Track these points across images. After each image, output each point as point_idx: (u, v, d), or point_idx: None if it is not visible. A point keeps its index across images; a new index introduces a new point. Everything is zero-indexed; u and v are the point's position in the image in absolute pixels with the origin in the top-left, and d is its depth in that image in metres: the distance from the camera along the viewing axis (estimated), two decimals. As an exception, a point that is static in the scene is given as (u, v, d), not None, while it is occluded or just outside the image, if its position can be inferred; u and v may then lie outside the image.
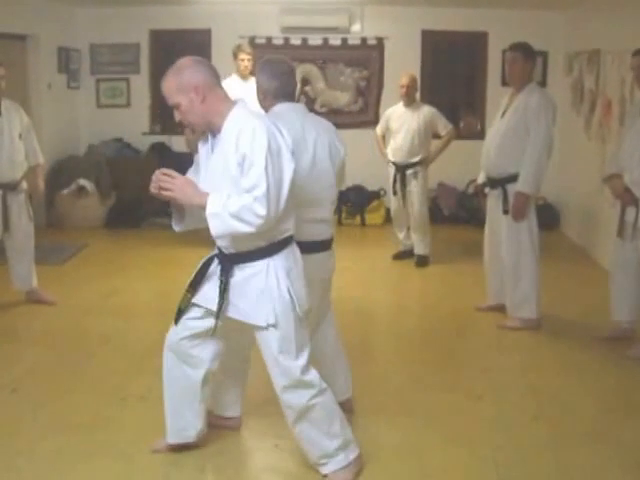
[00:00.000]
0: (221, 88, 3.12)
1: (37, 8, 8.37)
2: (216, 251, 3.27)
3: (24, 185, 5.79)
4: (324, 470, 3.39)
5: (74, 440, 3.73)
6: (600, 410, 4.21)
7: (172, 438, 3.56)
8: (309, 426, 3.32)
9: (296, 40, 9.63)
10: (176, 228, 3.40)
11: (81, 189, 8.88)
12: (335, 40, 9.60)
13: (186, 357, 3.39)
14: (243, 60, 7.48)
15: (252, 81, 7.84)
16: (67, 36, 9.30)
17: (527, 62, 5.34)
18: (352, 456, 3.41)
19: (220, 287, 3.18)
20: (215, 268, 3.26)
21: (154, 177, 3.11)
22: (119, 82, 9.78)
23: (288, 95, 3.65)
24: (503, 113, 5.42)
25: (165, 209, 8.97)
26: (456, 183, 9.35)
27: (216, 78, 3.11)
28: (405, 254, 7.59)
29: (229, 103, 3.10)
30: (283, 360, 3.20)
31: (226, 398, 3.82)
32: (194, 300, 3.30)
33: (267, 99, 3.65)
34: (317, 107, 9.73)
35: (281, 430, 3.86)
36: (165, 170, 3.11)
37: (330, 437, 3.33)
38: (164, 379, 3.48)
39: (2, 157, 5.53)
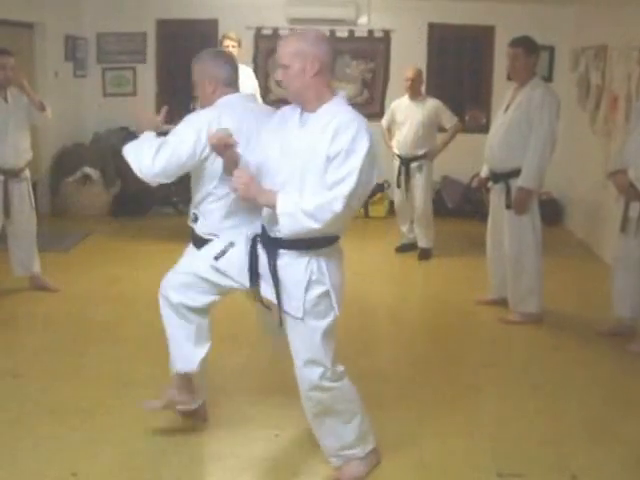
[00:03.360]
0: (332, 76, 3.08)
1: (44, -5, 8.38)
2: (256, 231, 3.22)
3: (27, 173, 5.80)
4: (339, 462, 3.38)
5: (75, 425, 3.76)
6: (600, 405, 4.22)
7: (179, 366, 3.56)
8: (331, 419, 3.29)
9: (303, 31, 9.60)
10: None
11: (86, 177, 8.90)
12: (342, 32, 9.58)
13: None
14: (227, 47, 7.28)
15: (241, 69, 7.76)
16: (74, 24, 9.30)
17: (529, 57, 5.32)
18: (369, 448, 3.41)
19: (271, 271, 3.12)
20: (245, 245, 3.24)
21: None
22: (125, 71, 9.79)
23: (235, 84, 3.61)
24: (507, 108, 5.42)
25: (169, 199, 9.02)
26: (461, 176, 9.34)
27: (333, 62, 3.07)
28: (408, 247, 7.60)
29: (331, 91, 3.06)
30: (307, 353, 3.16)
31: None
32: (224, 270, 3.31)
33: (218, 88, 3.57)
34: (323, 99, 9.73)
35: (281, 420, 3.89)
36: (240, 169, 3.08)
37: (350, 429, 3.32)
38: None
39: (7, 143, 5.54)
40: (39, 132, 7.23)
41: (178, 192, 8.85)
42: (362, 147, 2.89)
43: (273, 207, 2.97)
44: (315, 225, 2.91)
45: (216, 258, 3.32)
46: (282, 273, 3.12)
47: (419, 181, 7.32)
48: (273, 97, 9.63)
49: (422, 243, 7.45)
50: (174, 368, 3.57)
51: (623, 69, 6.94)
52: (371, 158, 2.92)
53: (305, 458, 3.56)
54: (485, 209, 5.96)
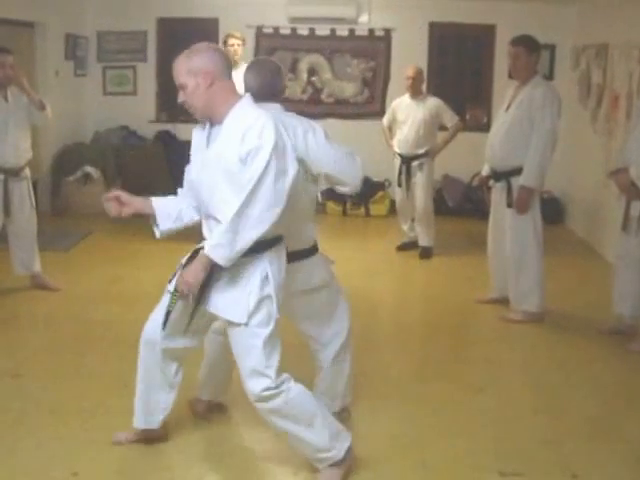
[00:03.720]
0: (230, 80, 3.09)
1: (45, -5, 8.38)
2: (201, 244, 3.19)
3: (27, 172, 5.80)
4: (322, 465, 3.31)
5: (76, 425, 3.75)
6: (602, 404, 4.22)
7: (139, 423, 3.55)
8: (293, 426, 3.22)
9: (303, 30, 9.62)
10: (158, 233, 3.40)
11: (87, 176, 8.90)
12: (342, 31, 9.59)
13: (164, 352, 3.42)
14: (233, 45, 7.31)
15: (242, 68, 7.70)
16: (74, 23, 9.30)
17: (530, 56, 5.32)
18: (345, 446, 3.30)
19: (203, 280, 3.10)
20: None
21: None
22: (126, 70, 9.79)
23: (273, 95, 3.55)
24: (508, 106, 5.41)
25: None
26: (461, 175, 9.34)
27: (228, 69, 3.08)
28: (409, 245, 7.60)
29: (236, 96, 3.09)
30: (250, 362, 3.11)
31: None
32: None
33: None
34: (324, 97, 9.74)
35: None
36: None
37: (317, 432, 3.23)
38: (139, 367, 3.52)
39: (7, 142, 5.54)
40: (40, 131, 7.22)
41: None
42: (268, 142, 2.91)
43: (211, 263, 2.99)
44: (254, 235, 2.93)
45: (169, 281, 3.34)
46: (225, 280, 3.10)
47: (420, 180, 7.31)
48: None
49: (423, 242, 7.44)
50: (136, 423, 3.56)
51: (624, 67, 6.93)
52: (281, 152, 2.95)
53: (305, 457, 3.55)
54: (486, 208, 5.95)
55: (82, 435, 3.67)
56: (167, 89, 9.72)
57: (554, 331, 5.39)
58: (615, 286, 5.24)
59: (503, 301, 5.69)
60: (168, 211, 3.28)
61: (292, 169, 3.01)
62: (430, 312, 5.95)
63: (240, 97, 3.10)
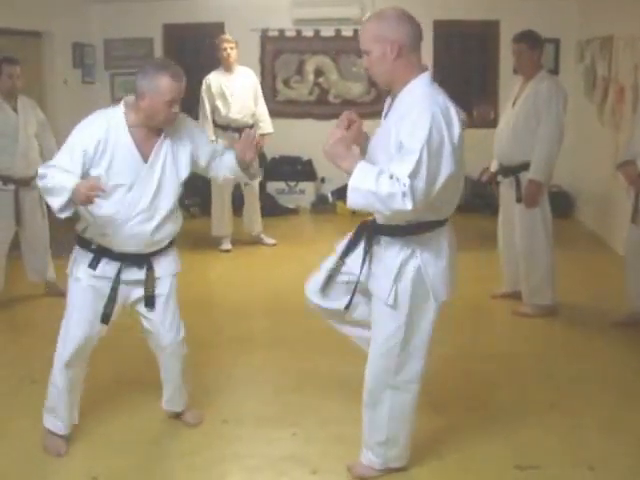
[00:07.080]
0: (418, 53, 2.97)
1: (52, 4, 8.42)
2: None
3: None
4: (365, 456, 3.38)
5: (93, 429, 3.79)
6: (616, 397, 4.22)
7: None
8: (383, 416, 3.29)
9: (308, 32, 9.65)
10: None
11: (97, 183, 8.94)
12: (347, 31, 9.60)
13: None
14: (225, 49, 7.27)
15: (237, 72, 7.46)
16: (81, 32, 9.36)
17: (534, 51, 5.34)
18: (391, 464, 3.39)
19: (363, 256, 3.13)
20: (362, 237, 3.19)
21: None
22: (134, 76, 9.78)
23: None
24: (514, 102, 5.43)
25: (181, 202, 9.05)
26: (469, 171, 9.29)
27: (417, 41, 2.96)
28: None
29: (418, 71, 2.98)
30: (388, 346, 3.20)
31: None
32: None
33: None
34: (331, 98, 9.77)
35: (299, 419, 3.91)
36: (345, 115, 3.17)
37: (387, 435, 3.31)
38: None
39: (17, 153, 5.59)
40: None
41: (191, 195, 8.89)
42: (420, 137, 2.78)
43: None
44: (386, 212, 2.84)
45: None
46: (378, 258, 3.16)
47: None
48: (281, 98, 9.68)
49: (433, 239, 7.42)
50: None
51: (629, 59, 6.93)
52: (435, 146, 2.81)
53: (323, 456, 3.57)
54: (495, 203, 5.97)
55: (100, 439, 3.71)
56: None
57: (567, 324, 5.40)
58: (627, 278, 5.25)
59: (516, 295, 5.70)
60: None
61: (447, 165, 2.80)
62: (442, 308, 5.94)
63: (423, 71, 3.00)
